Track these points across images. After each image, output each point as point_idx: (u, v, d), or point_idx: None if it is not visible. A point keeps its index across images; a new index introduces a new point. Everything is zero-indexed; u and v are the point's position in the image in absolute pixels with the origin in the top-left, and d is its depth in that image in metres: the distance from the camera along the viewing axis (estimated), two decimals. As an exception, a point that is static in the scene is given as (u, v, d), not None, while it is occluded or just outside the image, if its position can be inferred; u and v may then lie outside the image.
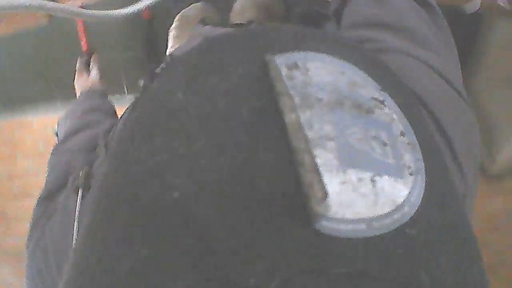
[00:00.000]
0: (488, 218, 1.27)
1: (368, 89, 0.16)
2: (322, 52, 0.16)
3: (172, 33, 0.66)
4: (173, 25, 0.67)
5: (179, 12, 0.69)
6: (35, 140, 1.82)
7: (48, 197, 0.39)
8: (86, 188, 0.31)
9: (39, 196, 0.41)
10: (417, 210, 0.13)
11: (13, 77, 1.83)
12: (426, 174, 0.14)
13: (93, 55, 0.71)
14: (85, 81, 0.68)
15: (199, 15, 0.68)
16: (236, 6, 0.74)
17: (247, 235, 0.11)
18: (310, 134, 0.13)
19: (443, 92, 0.27)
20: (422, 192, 0.14)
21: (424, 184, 0.14)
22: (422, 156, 0.15)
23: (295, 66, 0.15)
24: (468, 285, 0.13)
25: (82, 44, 0.77)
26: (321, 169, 0.12)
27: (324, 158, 0.13)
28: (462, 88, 0.28)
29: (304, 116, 0.14)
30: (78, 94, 0.68)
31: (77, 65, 0.73)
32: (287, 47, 0.16)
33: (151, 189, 0.13)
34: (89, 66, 0.72)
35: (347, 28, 0.34)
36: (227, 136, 0.13)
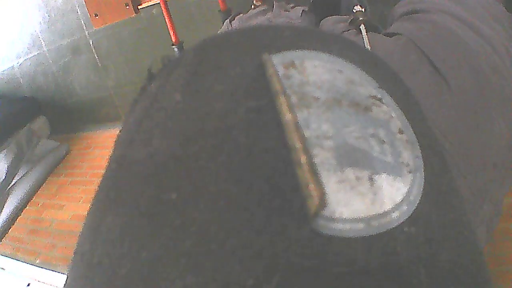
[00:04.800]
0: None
1: (365, 87, 0.15)
2: (320, 50, 0.16)
3: None
4: None
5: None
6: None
7: None
8: None
9: None
10: (416, 208, 0.13)
11: (122, 99, 2.12)
12: (425, 171, 0.14)
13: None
14: None
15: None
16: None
17: (245, 235, 0.11)
18: (307, 133, 0.13)
19: (486, 54, 0.27)
20: (421, 190, 0.13)
21: (423, 182, 0.14)
22: (421, 153, 0.15)
23: (292, 65, 0.15)
24: (469, 283, 0.13)
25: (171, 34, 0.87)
26: (318, 168, 0.12)
27: (321, 157, 0.13)
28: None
29: (301, 115, 0.13)
30: None
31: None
32: (284, 45, 0.16)
33: (149, 191, 0.13)
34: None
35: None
36: (225, 137, 0.13)
